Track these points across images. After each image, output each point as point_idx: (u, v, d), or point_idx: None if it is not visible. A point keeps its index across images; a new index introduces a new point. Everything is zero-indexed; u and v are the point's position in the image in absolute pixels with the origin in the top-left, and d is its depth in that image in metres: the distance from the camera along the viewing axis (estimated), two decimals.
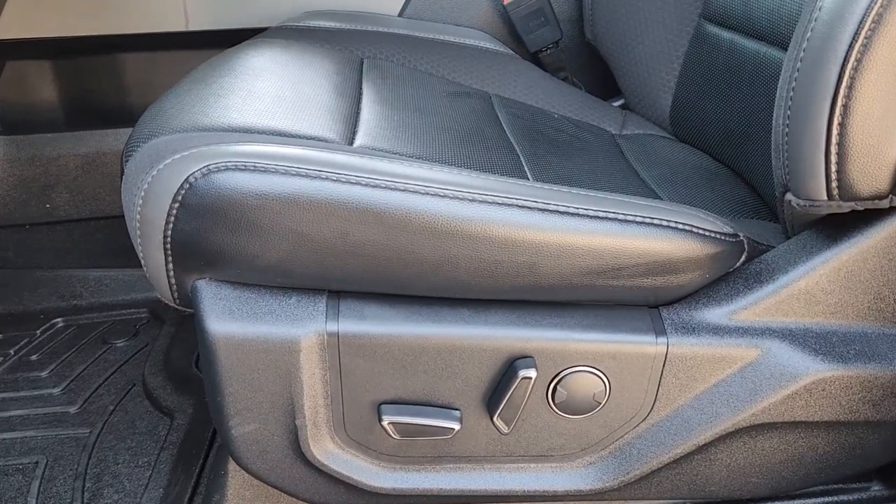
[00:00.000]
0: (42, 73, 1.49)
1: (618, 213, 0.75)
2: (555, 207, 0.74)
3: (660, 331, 0.79)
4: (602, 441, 0.84)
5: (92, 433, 1.09)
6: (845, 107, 0.70)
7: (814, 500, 0.99)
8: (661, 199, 0.96)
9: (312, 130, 0.86)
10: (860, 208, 0.75)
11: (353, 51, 1.27)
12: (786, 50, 0.94)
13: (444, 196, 0.71)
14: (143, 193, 0.72)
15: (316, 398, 0.77)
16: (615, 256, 0.74)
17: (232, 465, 0.94)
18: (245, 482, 0.94)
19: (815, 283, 0.79)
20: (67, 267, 1.47)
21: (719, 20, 1.16)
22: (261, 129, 0.83)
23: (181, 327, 1.33)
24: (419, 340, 0.76)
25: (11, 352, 1.27)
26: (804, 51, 0.72)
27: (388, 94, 1.08)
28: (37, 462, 1.04)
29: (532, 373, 0.77)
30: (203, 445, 1.05)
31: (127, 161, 0.81)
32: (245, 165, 0.70)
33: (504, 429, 0.81)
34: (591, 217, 0.74)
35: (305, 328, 0.74)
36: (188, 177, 0.70)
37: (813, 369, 0.80)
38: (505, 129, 1.08)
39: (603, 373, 0.79)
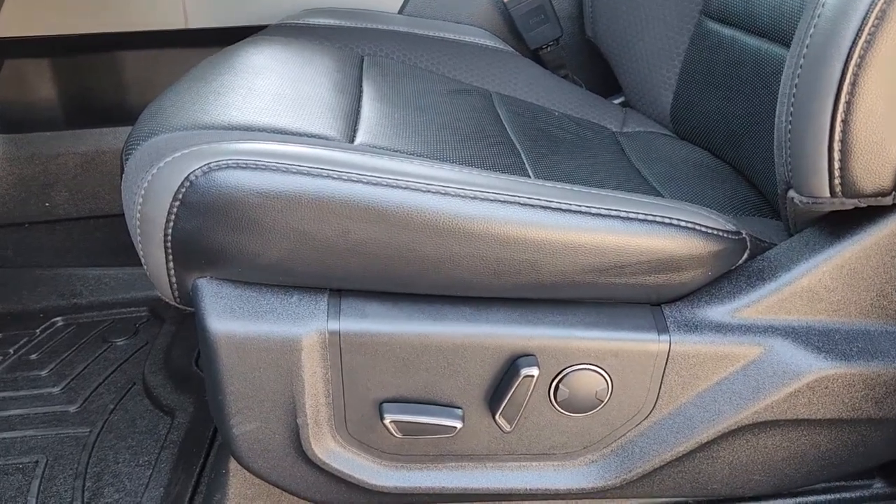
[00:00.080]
0: (41, 71, 1.49)
1: (620, 211, 0.75)
2: (557, 205, 0.73)
3: (662, 328, 0.79)
4: (604, 439, 0.84)
5: (92, 432, 1.09)
6: (848, 103, 0.69)
7: (816, 497, 0.99)
8: (663, 197, 0.95)
9: (313, 128, 0.86)
10: (863, 205, 0.75)
11: (353, 48, 1.27)
12: (787, 47, 0.94)
13: (446, 194, 0.71)
14: (143, 192, 0.72)
15: (317, 397, 0.77)
16: (617, 254, 0.74)
17: (233, 464, 0.94)
18: (246, 481, 0.94)
19: (817, 281, 0.79)
20: (67, 265, 1.47)
21: (720, 17, 1.15)
22: (261, 127, 0.83)
23: (181, 326, 1.33)
24: (421, 339, 0.76)
25: (11, 351, 1.27)
26: (807, 47, 0.72)
27: (389, 92, 1.08)
28: (37, 461, 1.03)
29: (534, 371, 0.76)
30: (204, 444, 1.05)
31: (127, 159, 0.80)
32: (246, 163, 0.69)
33: (506, 427, 0.80)
34: (594, 214, 0.74)
35: (307, 327, 0.74)
36: (189, 175, 0.69)
37: (816, 367, 0.80)
38: (506, 126, 1.08)
39: (605, 371, 0.79)
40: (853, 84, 0.69)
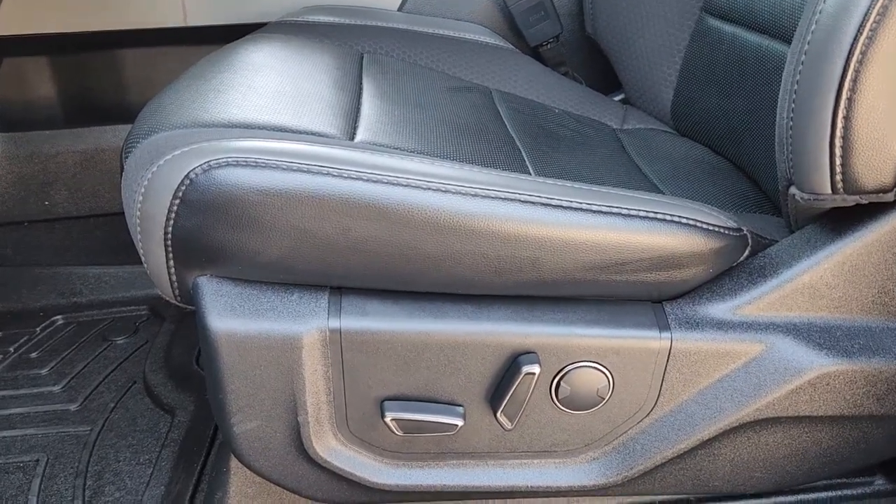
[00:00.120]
0: (40, 69, 1.49)
1: (621, 208, 0.75)
2: (558, 202, 0.73)
3: (663, 326, 0.79)
4: (605, 436, 0.84)
5: (93, 431, 1.09)
6: (850, 100, 0.69)
7: (817, 494, 0.99)
8: (664, 194, 0.95)
9: (313, 126, 0.86)
10: (864, 202, 0.75)
11: (352, 46, 1.26)
12: (788, 43, 0.94)
13: (447, 191, 0.71)
14: (143, 190, 0.72)
15: (318, 395, 0.77)
16: (618, 251, 0.74)
17: (234, 463, 0.93)
18: (247, 479, 0.93)
19: (819, 278, 0.79)
20: (67, 264, 1.46)
21: (721, 14, 1.15)
22: (261, 125, 0.82)
23: (181, 324, 1.33)
24: (422, 337, 0.76)
25: (11, 349, 1.26)
26: (808, 44, 0.72)
27: (389, 89, 1.07)
28: (37, 460, 1.03)
29: (535, 368, 0.76)
30: (204, 443, 1.05)
31: (127, 157, 0.80)
32: (246, 161, 0.69)
33: (507, 425, 0.80)
34: (595, 212, 0.74)
35: (307, 325, 0.74)
36: (189, 173, 0.69)
37: (817, 364, 0.80)
38: (506, 123, 1.08)
39: (606, 368, 0.79)
40: (854, 80, 0.69)
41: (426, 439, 0.82)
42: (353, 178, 0.70)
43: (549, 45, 1.41)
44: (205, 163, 0.69)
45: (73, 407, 1.13)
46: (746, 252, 0.81)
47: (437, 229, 0.70)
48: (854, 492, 1.00)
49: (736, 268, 0.82)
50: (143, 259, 0.75)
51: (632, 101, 1.35)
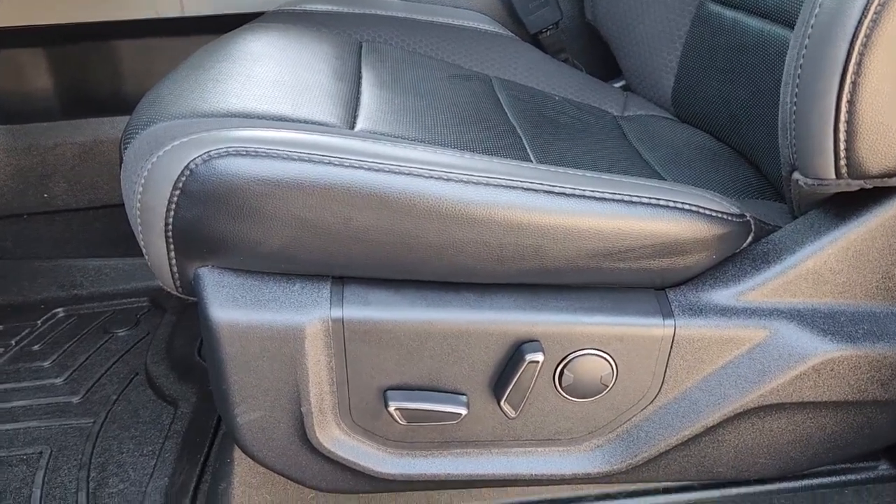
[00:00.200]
0: (37, 61, 1.48)
1: (623, 195, 0.74)
2: (560, 189, 0.73)
3: (667, 313, 0.78)
4: (609, 424, 0.84)
5: (95, 423, 1.09)
6: (854, 84, 0.69)
7: (821, 479, 0.99)
8: (666, 181, 0.95)
9: (313, 115, 0.85)
10: (868, 186, 0.74)
11: (351, 34, 1.26)
12: (790, 28, 0.93)
13: (449, 179, 0.71)
14: (142, 181, 0.71)
15: (321, 385, 0.77)
16: (621, 238, 0.73)
17: (237, 453, 0.93)
18: (251, 469, 0.94)
19: (822, 263, 0.79)
20: (67, 257, 1.46)
21: None
22: (261, 115, 0.82)
23: (182, 315, 1.33)
24: (425, 326, 0.76)
25: (13, 342, 1.26)
26: (812, 27, 0.71)
27: (388, 78, 1.07)
28: (41, 452, 1.03)
29: (539, 357, 0.76)
30: (208, 434, 1.05)
31: (126, 148, 0.80)
32: (246, 151, 0.69)
33: (511, 413, 0.80)
34: (597, 199, 0.73)
35: (310, 315, 0.73)
36: (189, 163, 0.69)
37: (821, 349, 0.79)
38: (506, 111, 1.07)
39: (610, 356, 0.79)
40: (859, 64, 0.68)
41: (430, 428, 0.82)
42: (354, 167, 0.69)
43: (548, 32, 1.40)
44: (205, 153, 0.69)
45: (75, 399, 1.13)
46: (749, 238, 0.81)
47: (439, 218, 0.70)
48: (858, 477, 1.00)
49: (739, 254, 0.82)
50: (143, 250, 0.74)
51: (632, 88, 1.35)
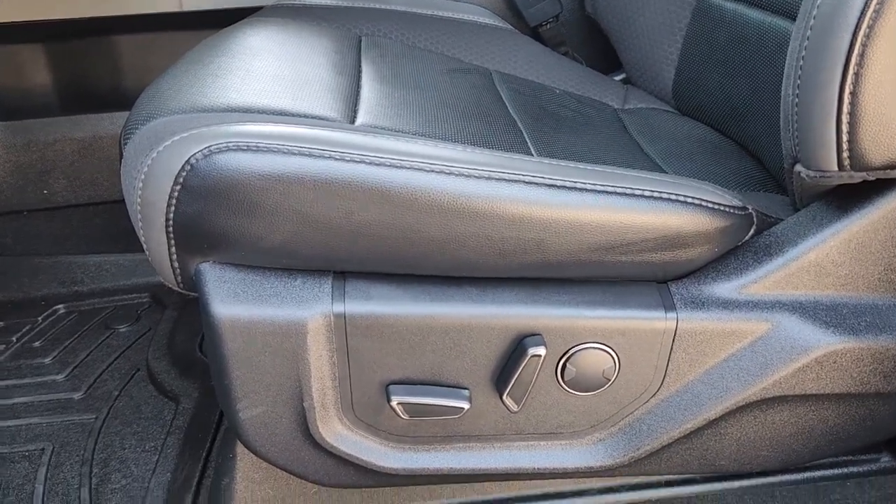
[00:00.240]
0: (36, 56, 1.48)
1: (625, 188, 0.74)
2: (562, 183, 0.73)
3: (669, 306, 0.78)
4: (612, 417, 0.84)
5: (97, 419, 1.09)
6: (857, 75, 0.68)
7: (823, 472, 0.99)
8: (667, 174, 0.95)
9: (313, 109, 0.85)
10: (871, 178, 0.74)
11: (350, 28, 1.25)
12: (791, 20, 0.93)
13: (450, 173, 0.70)
14: (143, 176, 0.71)
15: (323, 380, 0.77)
16: (623, 231, 0.73)
17: (240, 448, 0.93)
18: (253, 465, 0.93)
19: (825, 256, 0.79)
20: (67, 253, 1.46)
21: None
22: (261, 109, 0.82)
23: (183, 311, 1.33)
24: (426, 320, 0.75)
25: (14, 339, 1.26)
26: (814, 18, 0.71)
27: (388, 72, 1.06)
28: (43, 449, 1.03)
29: (541, 350, 0.76)
30: (210, 429, 1.05)
31: (125, 144, 0.79)
32: (247, 146, 0.68)
33: (513, 407, 0.80)
34: (599, 192, 0.73)
35: (311, 310, 0.73)
36: (189, 158, 0.68)
37: (824, 342, 0.79)
38: (507, 105, 1.07)
39: (612, 349, 0.79)
40: (861, 55, 0.68)
41: (432, 423, 0.82)
42: (355, 162, 0.69)
43: (548, 25, 1.40)
44: (205, 148, 0.68)
45: (77, 395, 1.13)
46: (752, 231, 0.81)
47: (440, 212, 0.70)
48: (860, 469, 1.00)
49: (741, 247, 0.82)
50: (144, 246, 0.74)
51: (633, 81, 1.34)
